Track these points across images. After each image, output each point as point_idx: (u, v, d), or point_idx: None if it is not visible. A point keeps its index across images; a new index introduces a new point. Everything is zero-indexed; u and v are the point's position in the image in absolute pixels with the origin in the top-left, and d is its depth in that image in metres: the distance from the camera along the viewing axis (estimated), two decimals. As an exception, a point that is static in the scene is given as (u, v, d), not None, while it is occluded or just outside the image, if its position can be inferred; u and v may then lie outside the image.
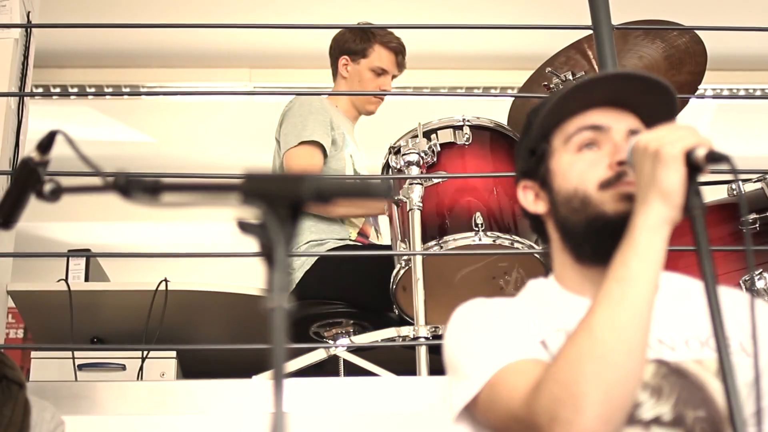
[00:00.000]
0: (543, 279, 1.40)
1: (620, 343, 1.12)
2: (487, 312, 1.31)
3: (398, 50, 3.14)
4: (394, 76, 3.18)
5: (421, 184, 2.44)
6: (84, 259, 3.02)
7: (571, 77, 2.62)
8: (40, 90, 5.01)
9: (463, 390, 1.24)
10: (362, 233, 3.01)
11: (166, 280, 2.80)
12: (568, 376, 1.11)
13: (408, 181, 2.44)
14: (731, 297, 1.26)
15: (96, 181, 1.09)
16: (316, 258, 2.75)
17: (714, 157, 1.14)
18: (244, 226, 0.84)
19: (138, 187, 1.05)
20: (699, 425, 1.19)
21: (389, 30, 3.18)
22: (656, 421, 1.19)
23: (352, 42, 3.14)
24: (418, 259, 2.37)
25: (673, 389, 1.21)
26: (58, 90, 5.18)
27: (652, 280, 1.15)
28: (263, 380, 2.23)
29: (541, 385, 1.14)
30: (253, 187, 0.87)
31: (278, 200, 0.85)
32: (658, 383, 1.22)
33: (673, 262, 1.26)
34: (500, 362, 1.21)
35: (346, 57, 3.16)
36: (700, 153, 1.14)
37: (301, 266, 2.76)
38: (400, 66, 3.16)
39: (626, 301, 1.14)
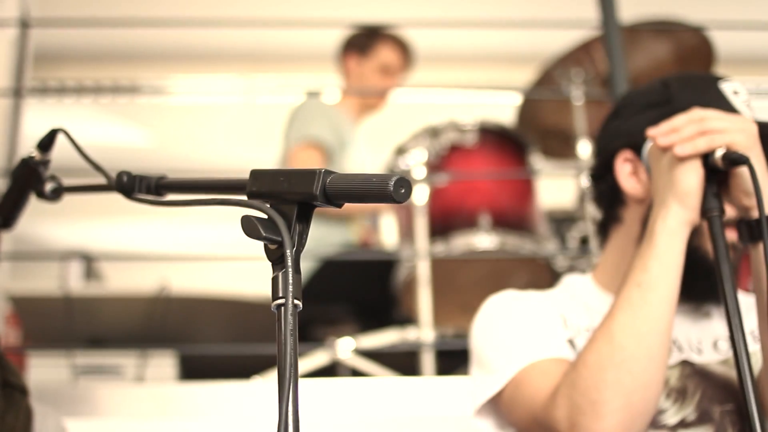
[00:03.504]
0: (579, 275, 1.37)
1: (640, 349, 1.10)
2: (517, 307, 1.29)
3: (405, 48, 3.13)
4: (401, 76, 3.17)
5: (427, 185, 2.43)
6: (83, 261, 3.01)
7: (579, 77, 2.61)
8: (38, 88, 4.98)
9: (487, 384, 1.23)
10: (364, 236, 3.01)
11: (166, 287, 2.77)
12: (588, 383, 1.09)
13: (414, 183, 2.43)
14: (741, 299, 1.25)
15: (97, 180, 1.07)
16: (319, 259, 2.74)
17: (731, 159, 1.11)
18: (250, 226, 0.81)
19: (141, 186, 1.02)
20: (728, 418, 1.18)
21: (396, 28, 3.18)
22: (681, 424, 1.18)
23: (359, 40, 3.15)
24: (424, 260, 2.35)
25: (697, 388, 1.21)
26: (55, 88, 5.16)
27: (673, 284, 1.13)
28: (264, 382, 2.21)
29: (560, 390, 1.12)
30: (261, 186, 0.85)
31: (287, 199, 0.83)
32: (683, 384, 1.21)
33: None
34: (526, 360, 1.20)
35: (352, 55, 3.16)
36: (718, 155, 1.12)
37: (303, 268, 2.74)
38: (407, 65, 3.15)
39: (646, 306, 1.12)
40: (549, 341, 1.23)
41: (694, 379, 1.22)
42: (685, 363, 1.23)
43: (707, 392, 1.21)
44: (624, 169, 1.28)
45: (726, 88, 1.27)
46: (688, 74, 1.37)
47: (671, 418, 1.18)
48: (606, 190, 1.32)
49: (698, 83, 1.31)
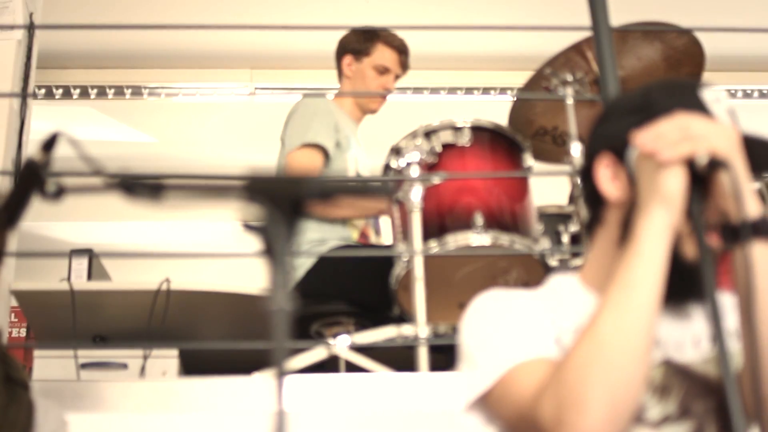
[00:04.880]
0: (565, 275, 1.39)
1: (624, 347, 1.13)
2: (505, 305, 1.31)
3: (401, 49, 3.15)
4: (397, 77, 3.19)
5: (422, 184, 2.46)
6: (86, 258, 3.03)
7: (570, 78, 2.64)
8: (43, 91, 5.02)
9: (476, 382, 1.26)
10: (363, 234, 3.02)
11: (168, 280, 2.80)
12: (573, 380, 1.13)
13: (409, 182, 2.46)
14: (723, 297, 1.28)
15: (99, 181, 1.10)
16: (317, 257, 2.76)
17: (713, 164, 1.14)
18: (249, 226, 0.85)
19: (141, 187, 1.06)
20: (710, 415, 1.22)
21: (392, 30, 3.20)
22: (665, 419, 1.21)
23: (356, 42, 3.16)
24: (419, 258, 2.38)
25: (681, 386, 1.24)
26: (60, 91, 5.19)
27: (656, 285, 1.16)
28: (264, 378, 2.23)
29: (547, 388, 1.15)
30: (256, 187, 0.88)
31: (281, 199, 0.86)
32: (666, 382, 1.24)
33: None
34: (514, 359, 1.22)
35: (349, 56, 3.17)
36: (702, 160, 1.15)
37: (302, 265, 2.77)
38: (404, 65, 3.17)
39: (630, 306, 1.15)
40: (536, 341, 1.25)
41: (677, 377, 1.24)
42: (668, 362, 1.26)
43: (690, 390, 1.23)
44: (604, 173, 1.30)
45: (707, 95, 1.28)
46: (671, 81, 1.38)
47: (655, 414, 1.21)
48: (590, 192, 1.34)
49: (679, 90, 1.32)
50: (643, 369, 1.15)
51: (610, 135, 1.32)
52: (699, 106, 1.26)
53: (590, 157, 1.35)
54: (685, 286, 1.21)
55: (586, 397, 1.11)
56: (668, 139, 1.17)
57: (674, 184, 1.16)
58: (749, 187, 1.17)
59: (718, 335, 1.11)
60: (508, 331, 1.27)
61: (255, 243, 0.84)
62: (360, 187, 0.90)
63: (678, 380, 1.24)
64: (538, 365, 1.21)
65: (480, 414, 1.29)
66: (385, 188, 0.86)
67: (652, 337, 1.16)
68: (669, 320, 1.29)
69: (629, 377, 1.13)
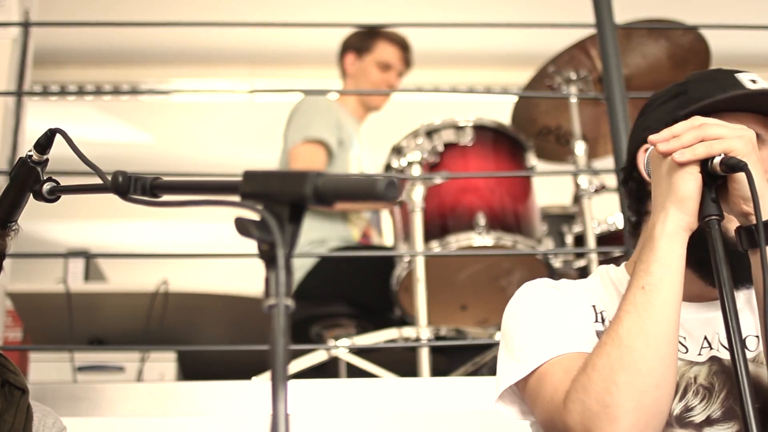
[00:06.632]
0: (614, 266, 1.39)
1: (649, 350, 1.12)
2: (549, 296, 1.30)
3: (403, 45, 3.17)
4: (401, 74, 3.19)
5: (424, 184, 2.44)
6: (83, 260, 3.01)
7: (574, 77, 2.62)
8: (39, 89, 4.99)
9: (511, 370, 1.24)
10: (364, 234, 3.01)
11: (166, 282, 2.79)
12: (599, 387, 1.11)
13: (410, 182, 2.44)
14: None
15: (94, 180, 1.08)
16: (317, 258, 2.75)
17: (729, 165, 1.13)
18: (243, 226, 0.82)
19: (136, 186, 1.04)
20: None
21: (394, 29, 3.20)
22: (707, 421, 1.20)
23: (357, 39, 3.18)
24: (420, 259, 2.36)
25: (724, 385, 1.23)
26: (56, 89, 5.17)
27: (675, 286, 1.15)
28: (263, 382, 2.22)
29: (572, 396, 1.13)
30: (253, 187, 0.86)
31: (279, 200, 0.84)
32: (710, 381, 1.23)
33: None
34: (552, 353, 1.21)
35: (351, 54, 3.18)
36: (716, 161, 1.14)
37: (302, 266, 2.75)
38: (406, 62, 3.18)
39: (651, 308, 1.14)
40: (577, 335, 1.24)
41: (721, 376, 1.23)
42: (713, 360, 1.25)
43: (733, 390, 1.21)
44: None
45: (743, 77, 1.30)
46: (706, 70, 1.40)
47: (698, 415, 1.20)
48: (634, 186, 1.36)
49: (715, 74, 1.35)
50: (670, 372, 1.13)
51: (649, 125, 1.32)
52: (736, 86, 1.27)
53: (630, 151, 1.36)
54: (735, 272, 1.17)
55: (614, 404, 1.09)
56: (683, 140, 1.16)
57: (689, 186, 1.15)
58: (766, 188, 1.15)
59: (728, 335, 1.09)
60: (549, 322, 1.26)
61: (254, 244, 0.82)
62: (362, 189, 0.87)
63: (722, 379, 1.23)
64: (575, 360, 1.19)
65: (515, 405, 1.28)
66: (388, 190, 0.83)
67: (676, 338, 1.15)
68: (715, 318, 1.26)
69: (656, 381, 1.11)
